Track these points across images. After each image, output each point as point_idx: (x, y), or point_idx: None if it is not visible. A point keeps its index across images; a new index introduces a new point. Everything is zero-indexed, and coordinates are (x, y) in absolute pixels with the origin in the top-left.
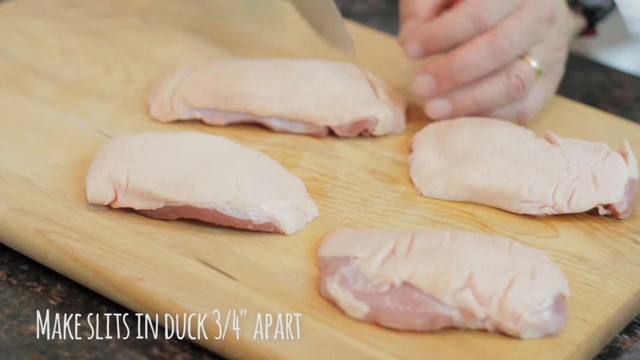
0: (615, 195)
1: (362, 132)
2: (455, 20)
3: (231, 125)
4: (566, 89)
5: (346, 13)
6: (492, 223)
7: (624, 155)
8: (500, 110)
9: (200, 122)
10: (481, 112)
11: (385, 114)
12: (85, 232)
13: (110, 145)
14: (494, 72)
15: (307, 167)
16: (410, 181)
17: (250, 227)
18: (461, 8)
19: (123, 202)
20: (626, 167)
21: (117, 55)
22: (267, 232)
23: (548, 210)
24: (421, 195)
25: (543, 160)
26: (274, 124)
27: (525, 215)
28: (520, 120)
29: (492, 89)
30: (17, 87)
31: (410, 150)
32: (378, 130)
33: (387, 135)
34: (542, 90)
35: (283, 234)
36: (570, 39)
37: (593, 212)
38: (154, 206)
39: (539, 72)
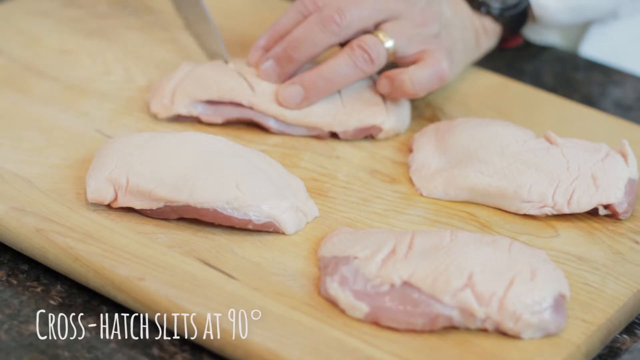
0: (615, 195)
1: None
2: (285, 16)
3: (230, 124)
4: (566, 89)
5: None
6: (492, 223)
7: (624, 155)
8: (385, 90)
9: (199, 121)
10: (333, 89)
11: (390, 123)
12: (85, 232)
13: (110, 145)
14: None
15: (307, 167)
16: (410, 181)
17: (250, 227)
18: (291, 6)
19: (123, 202)
20: (626, 167)
21: (117, 55)
22: (267, 232)
23: (548, 211)
24: (421, 195)
25: (543, 161)
26: (272, 124)
27: (525, 215)
28: (402, 93)
29: (338, 63)
30: (17, 87)
31: (410, 150)
32: (381, 136)
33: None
34: (427, 65)
35: (283, 233)
36: (477, 35)
37: (593, 212)
38: (154, 206)
39: (394, 47)
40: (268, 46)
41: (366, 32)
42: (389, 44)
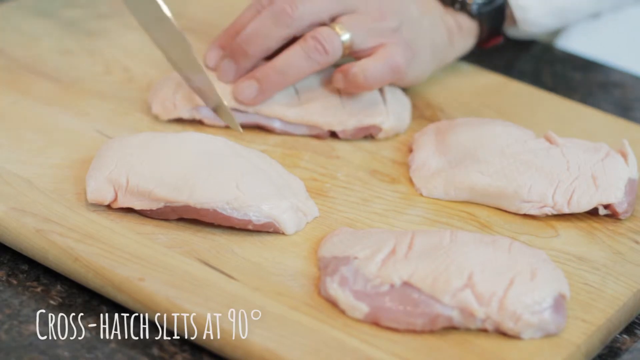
0: (615, 195)
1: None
2: (241, 15)
3: None
4: (566, 89)
5: None
6: (492, 223)
7: (624, 155)
8: (339, 85)
9: (200, 122)
10: (288, 82)
11: (390, 123)
12: (85, 232)
13: (110, 145)
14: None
15: (307, 167)
16: (410, 181)
17: (250, 227)
18: (248, 5)
19: (123, 202)
20: (626, 167)
21: (117, 55)
22: (267, 232)
23: (548, 210)
24: (421, 195)
25: (543, 161)
26: (277, 125)
27: (525, 215)
28: (355, 87)
29: (291, 55)
30: (17, 87)
31: (410, 150)
32: (381, 136)
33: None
34: (379, 58)
35: (283, 234)
36: (452, 35)
37: (593, 212)
38: (153, 206)
39: (350, 40)
40: (225, 45)
41: (323, 25)
42: (345, 37)
